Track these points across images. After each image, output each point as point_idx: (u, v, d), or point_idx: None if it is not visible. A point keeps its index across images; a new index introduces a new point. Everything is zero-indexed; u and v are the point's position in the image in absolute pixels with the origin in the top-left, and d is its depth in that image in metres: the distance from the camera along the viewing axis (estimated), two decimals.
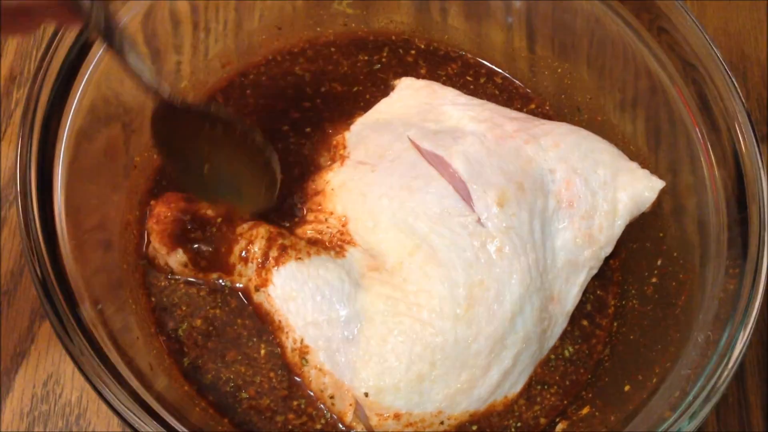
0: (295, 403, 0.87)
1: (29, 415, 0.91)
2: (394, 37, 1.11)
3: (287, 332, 0.87)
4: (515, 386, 0.89)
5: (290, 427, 0.86)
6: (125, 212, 0.93)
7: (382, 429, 0.85)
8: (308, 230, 0.92)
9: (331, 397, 0.86)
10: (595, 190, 0.92)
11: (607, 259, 0.95)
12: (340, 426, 0.87)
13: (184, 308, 0.91)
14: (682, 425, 0.71)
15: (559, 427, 0.87)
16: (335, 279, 0.86)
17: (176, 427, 0.70)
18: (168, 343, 0.89)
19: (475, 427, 0.88)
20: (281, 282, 0.87)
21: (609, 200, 0.92)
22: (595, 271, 0.93)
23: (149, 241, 0.92)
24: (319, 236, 0.91)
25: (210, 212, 0.91)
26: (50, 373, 0.94)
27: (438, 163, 0.92)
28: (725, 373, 0.73)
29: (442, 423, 0.86)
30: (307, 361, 0.86)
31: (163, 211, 0.91)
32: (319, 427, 0.87)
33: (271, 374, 0.89)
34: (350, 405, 0.85)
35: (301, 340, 0.86)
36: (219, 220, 0.90)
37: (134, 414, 0.69)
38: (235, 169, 0.91)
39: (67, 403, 0.92)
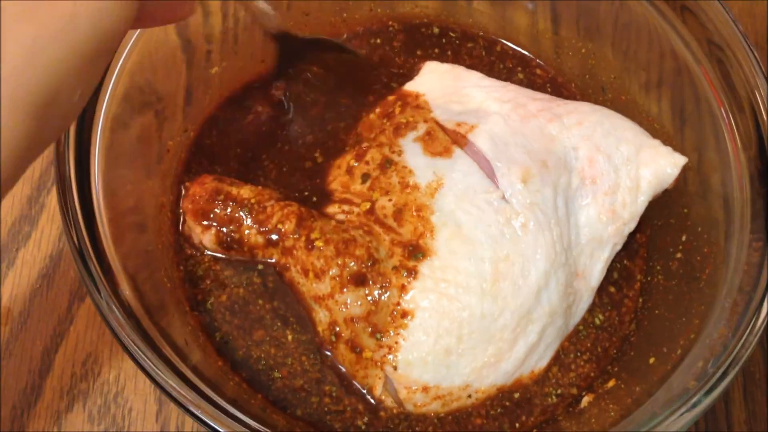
0: (327, 387, 0.89)
1: (69, 394, 0.94)
2: (417, 21, 1.12)
3: (318, 308, 0.89)
4: (541, 361, 0.91)
5: (326, 409, 0.88)
6: (159, 195, 0.95)
7: (410, 402, 0.87)
8: (337, 210, 0.94)
9: (362, 371, 0.88)
10: (617, 167, 0.93)
11: (632, 236, 0.95)
12: (371, 400, 0.88)
13: (212, 285, 0.93)
14: (704, 394, 0.72)
15: (585, 399, 0.88)
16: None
17: (213, 398, 0.72)
18: (200, 318, 0.91)
19: (507, 402, 0.89)
20: (312, 262, 0.88)
21: (632, 177, 0.93)
22: (619, 248, 0.94)
23: (185, 220, 0.94)
24: (347, 216, 0.93)
25: (243, 193, 0.93)
26: (89, 352, 0.96)
27: (462, 141, 0.93)
28: (750, 340, 0.74)
29: (469, 396, 0.88)
30: (336, 337, 0.88)
31: (198, 191, 0.93)
32: (349, 414, 0.88)
33: (303, 358, 0.90)
34: (379, 378, 0.87)
35: (329, 317, 0.88)
36: (252, 200, 0.92)
37: (173, 384, 0.71)
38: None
39: (105, 381, 0.95)
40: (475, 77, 1.02)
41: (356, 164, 0.96)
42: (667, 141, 0.94)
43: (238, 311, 0.92)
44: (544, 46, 1.09)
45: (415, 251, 0.87)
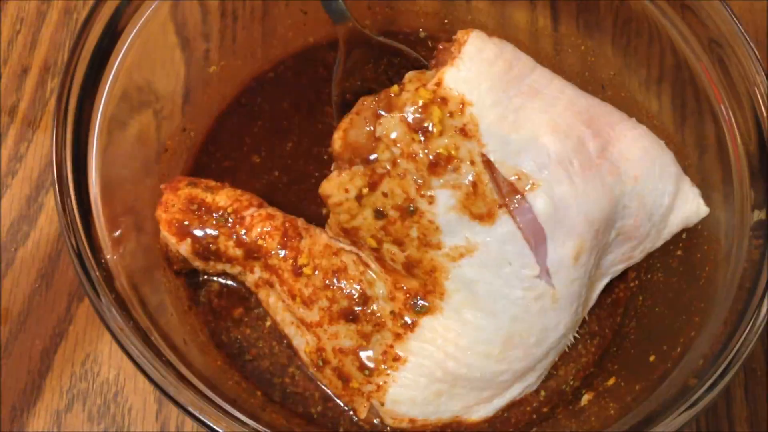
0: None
1: (68, 393, 0.94)
2: (422, 20, 1.11)
3: (306, 332, 0.87)
4: (531, 387, 0.90)
5: (320, 409, 0.89)
6: (157, 195, 0.94)
7: (397, 427, 0.86)
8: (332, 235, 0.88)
9: (347, 397, 0.87)
10: (655, 224, 0.87)
11: None
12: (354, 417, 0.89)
13: (213, 286, 0.93)
14: (704, 391, 0.71)
15: (585, 397, 0.88)
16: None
17: (212, 397, 0.72)
18: (198, 318, 0.91)
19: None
20: (299, 288, 0.85)
21: (661, 228, 0.88)
22: (618, 273, 0.93)
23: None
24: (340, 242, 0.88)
25: (219, 200, 0.89)
26: (88, 352, 0.96)
27: (514, 199, 0.79)
28: (750, 338, 0.73)
29: (459, 423, 0.87)
30: (323, 362, 0.86)
31: (171, 199, 0.90)
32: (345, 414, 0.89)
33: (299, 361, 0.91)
34: (364, 406, 0.86)
35: (317, 343, 0.86)
36: (229, 209, 0.89)
37: (172, 384, 0.71)
38: None
39: (105, 381, 0.95)
40: (528, 69, 0.85)
41: (368, 192, 0.81)
42: (667, 139, 0.94)
43: (240, 306, 0.92)
44: (544, 43, 1.08)
45: (420, 305, 0.83)
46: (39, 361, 0.95)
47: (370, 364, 0.84)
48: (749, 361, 0.96)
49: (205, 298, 0.93)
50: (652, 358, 0.84)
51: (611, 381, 0.88)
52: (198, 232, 0.88)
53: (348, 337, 0.84)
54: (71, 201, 0.78)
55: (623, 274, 0.95)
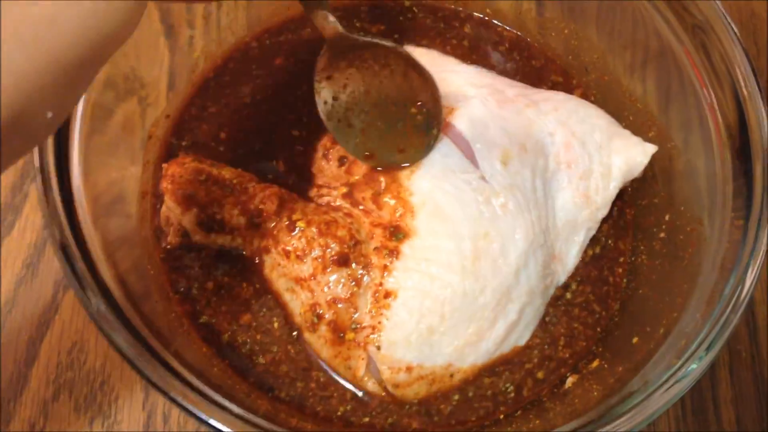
0: (314, 373, 0.89)
1: (55, 382, 0.94)
2: (407, 3, 1.11)
3: (300, 290, 0.88)
4: (520, 340, 0.91)
5: (310, 394, 0.88)
6: (142, 183, 0.95)
7: (393, 382, 0.87)
8: (316, 194, 0.95)
9: (345, 352, 0.88)
10: (591, 153, 0.95)
11: (618, 216, 0.97)
12: (354, 390, 0.89)
13: (197, 271, 0.92)
14: (688, 369, 0.72)
15: (570, 380, 0.88)
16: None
17: (197, 385, 0.72)
18: (183, 305, 0.90)
19: (487, 380, 0.89)
20: (294, 243, 0.88)
21: (604, 163, 0.95)
22: (593, 233, 0.96)
23: (162, 202, 0.93)
24: (329, 198, 0.93)
25: (224, 173, 0.92)
26: (74, 341, 0.96)
27: (445, 121, 0.93)
28: (731, 318, 0.74)
29: (452, 376, 0.88)
30: (318, 318, 0.88)
31: (178, 171, 0.92)
32: (334, 400, 0.89)
33: (289, 347, 0.90)
34: (362, 359, 0.87)
35: (311, 298, 0.88)
36: (234, 181, 0.91)
37: (156, 372, 0.71)
38: (392, 112, 0.93)
39: (91, 369, 0.95)
40: (450, 62, 1.03)
41: (332, 147, 0.95)
42: (650, 121, 0.95)
43: (224, 296, 0.92)
44: (528, 26, 1.08)
45: (396, 232, 0.88)
46: (25, 350, 0.95)
47: (364, 307, 0.87)
48: (734, 343, 0.97)
49: (192, 286, 0.92)
50: (635, 340, 0.84)
51: (595, 363, 0.88)
52: (205, 201, 0.90)
53: (340, 283, 0.86)
54: (53, 189, 0.77)
55: (611, 256, 0.96)
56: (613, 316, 0.93)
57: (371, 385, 0.88)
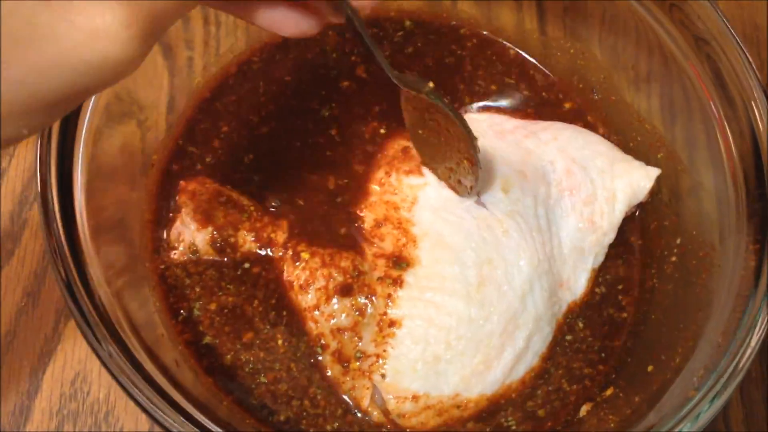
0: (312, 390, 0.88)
1: (58, 414, 0.92)
2: (408, 22, 1.10)
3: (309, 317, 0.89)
4: (526, 359, 0.90)
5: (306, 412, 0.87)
6: (144, 210, 0.94)
7: (398, 412, 0.86)
8: None
9: (349, 383, 0.87)
10: (593, 178, 0.95)
11: (626, 240, 0.96)
12: (357, 414, 0.87)
13: (200, 295, 0.91)
14: (706, 404, 0.71)
15: (584, 409, 0.87)
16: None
17: (203, 423, 0.71)
18: (184, 332, 0.89)
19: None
20: (297, 274, 0.89)
21: (608, 188, 0.95)
22: (601, 258, 0.95)
23: (172, 221, 0.92)
24: None
25: (243, 200, 0.93)
26: (77, 371, 0.94)
27: None
28: (748, 351, 0.72)
29: (459, 407, 0.87)
30: (322, 349, 0.88)
31: (198, 188, 0.93)
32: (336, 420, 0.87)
33: (292, 365, 0.89)
34: (367, 389, 0.86)
35: (315, 328, 0.88)
36: (252, 208, 0.92)
37: (161, 410, 0.69)
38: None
39: (95, 400, 0.93)
40: None
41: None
42: (659, 142, 0.94)
43: (228, 316, 0.90)
44: (532, 46, 1.07)
45: (399, 261, 0.89)
46: (27, 381, 0.93)
47: (369, 336, 0.86)
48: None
49: (193, 310, 0.91)
50: (650, 368, 0.83)
51: (609, 391, 0.87)
52: (222, 222, 0.91)
53: (344, 312, 0.86)
54: (57, 224, 0.76)
55: (621, 281, 0.95)
56: (625, 342, 0.92)
57: (376, 416, 0.87)
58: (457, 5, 1.09)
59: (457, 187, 0.92)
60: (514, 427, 0.88)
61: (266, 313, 0.90)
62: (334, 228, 0.94)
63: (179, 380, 0.75)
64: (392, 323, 0.86)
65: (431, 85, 0.85)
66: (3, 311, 0.96)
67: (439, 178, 0.93)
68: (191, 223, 0.91)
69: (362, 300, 0.87)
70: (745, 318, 0.74)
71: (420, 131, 0.92)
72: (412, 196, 0.93)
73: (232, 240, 0.91)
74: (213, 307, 0.91)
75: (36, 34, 0.48)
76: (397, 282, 0.87)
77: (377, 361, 0.86)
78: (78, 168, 0.81)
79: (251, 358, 0.89)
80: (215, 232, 0.91)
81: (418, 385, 0.86)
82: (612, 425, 0.79)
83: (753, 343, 0.73)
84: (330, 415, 0.87)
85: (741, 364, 0.72)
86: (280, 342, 0.90)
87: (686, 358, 0.77)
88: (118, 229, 0.89)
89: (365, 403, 0.87)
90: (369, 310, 0.87)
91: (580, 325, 0.93)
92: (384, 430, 0.87)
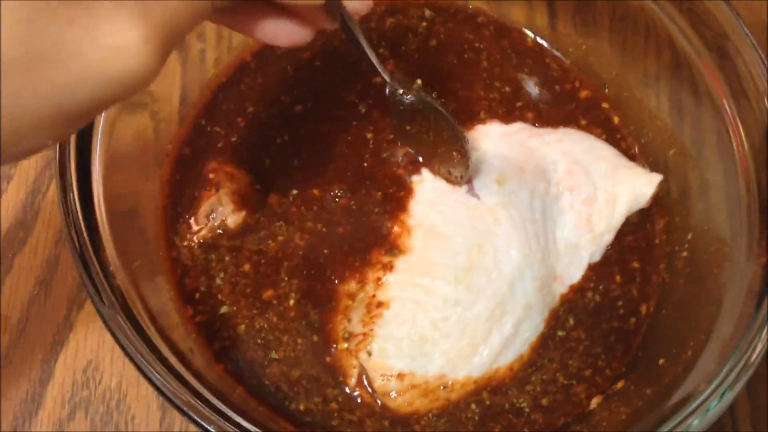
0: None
1: (70, 402, 0.93)
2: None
3: None
4: (514, 346, 0.90)
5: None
6: (158, 200, 0.94)
7: (384, 390, 0.86)
8: None
9: (336, 363, 0.88)
10: (595, 181, 0.96)
11: (636, 235, 0.97)
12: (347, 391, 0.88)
13: (227, 266, 0.92)
14: (716, 398, 0.71)
15: (595, 401, 0.88)
16: None
17: (218, 406, 0.71)
18: (200, 323, 0.90)
19: (485, 394, 0.88)
20: None
21: (609, 191, 0.96)
22: (597, 257, 0.95)
23: (200, 198, 0.93)
24: None
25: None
26: (89, 359, 0.95)
27: None
28: (759, 345, 0.73)
29: (445, 387, 0.87)
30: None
31: (238, 173, 0.95)
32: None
33: (299, 339, 0.90)
34: (354, 368, 0.87)
35: None
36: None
37: (177, 392, 0.70)
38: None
39: (107, 388, 0.94)
40: None
41: None
42: (671, 139, 0.94)
43: (251, 277, 0.92)
44: (544, 43, 1.08)
45: (392, 248, 0.91)
46: (39, 369, 0.94)
47: (357, 318, 0.88)
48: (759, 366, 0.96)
49: (201, 304, 0.91)
50: (661, 362, 0.84)
51: (620, 384, 0.88)
52: (255, 209, 0.94)
53: None
54: (75, 207, 0.76)
55: (632, 275, 0.95)
56: (636, 336, 0.92)
57: (363, 395, 0.87)
58: (468, 3, 1.09)
59: (448, 178, 0.94)
60: (527, 410, 0.88)
61: (290, 271, 0.92)
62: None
63: (193, 365, 0.75)
64: (380, 304, 0.88)
65: (419, 82, 0.89)
66: (15, 299, 0.97)
67: (430, 171, 0.95)
68: (229, 203, 0.93)
69: (353, 286, 0.90)
70: (756, 313, 0.75)
71: (408, 127, 0.93)
72: (409, 191, 0.95)
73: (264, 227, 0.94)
74: (242, 269, 0.92)
75: (62, 53, 0.50)
76: (388, 267, 0.90)
77: (364, 340, 0.87)
78: (95, 157, 0.81)
79: (265, 325, 0.89)
80: (247, 216, 0.93)
81: (403, 363, 0.87)
82: (623, 417, 0.80)
83: (764, 338, 0.73)
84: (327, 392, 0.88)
85: (752, 359, 0.73)
86: (292, 302, 0.91)
87: (698, 352, 0.78)
88: (133, 218, 0.90)
89: (352, 381, 0.87)
90: (359, 296, 0.89)
91: (585, 319, 0.93)
92: (377, 408, 0.87)
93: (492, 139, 0.98)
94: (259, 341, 0.89)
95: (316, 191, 0.96)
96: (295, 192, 0.96)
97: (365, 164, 0.98)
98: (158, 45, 0.55)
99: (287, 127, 1.00)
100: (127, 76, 0.54)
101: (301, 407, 0.86)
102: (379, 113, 1.00)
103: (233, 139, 0.99)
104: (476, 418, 0.87)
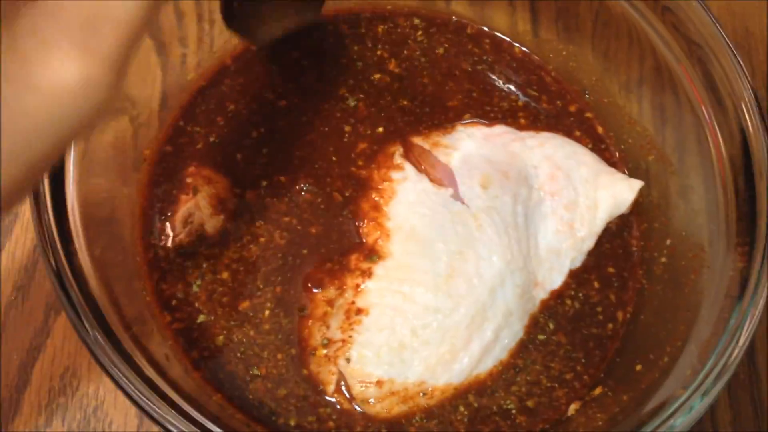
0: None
1: (47, 408, 0.92)
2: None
3: None
4: (494, 352, 0.90)
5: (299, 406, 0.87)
6: (135, 205, 0.94)
7: (362, 397, 0.86)
8: None
9: (315, 370, 0.88)
10: (576, 186, 0.97)
11: (617, 240, 0.96)
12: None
13: (205, 272, 0.92)
14: (694, 403, 0.71)
15: (572, 407, 0.87)
16: None
17: (195, 416, 0.71)
18: (177, 330, 0.89)
19: (471, 397, 0.88)
20: None
21: (590, 196, 0.97)
22: (578, 263, 0.95)
23: (177, 203, 0.93)
24: None
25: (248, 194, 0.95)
26: (66, 366, 0.94)
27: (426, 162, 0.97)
28: (736, 350, 0.73)
29: (424, 394, 0.87)
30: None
31: (216, 177, 0.95)
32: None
33: (279, 355, 0.89)
34: (332, 374, 0.87)
35: None
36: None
37: (152, 403, 0.70)
38: None
39: (84, 395, 0.93)
40: None
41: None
42: (650, 145, 0.94)
43: (228, 286, 0.91)
44: (525, 49, 1.08)
45: (371, 254, 0.90)
46: (16, 375, 0.93)
47: (336, 324, 0.88)
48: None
49: (179, 311, 0.91)
50: (638, 368, 0.84)
51: (598, 390, 0.87)
52: (233, 212, 0.94)
53: (313, 303, 0.90)
54: (48, 217, 0.76)
55: (610, 281, 0.95)
56: (614, 342, 0.92)
57: (342, 402, 0.87)
58: (450, 6, 1.09)
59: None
60: (514, 411, 0.88)
61: (265, 278, 0.92)
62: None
63: (169, 374, 0.75)
64: (359, 311, 0.88)
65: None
66: None
67: None
68: (207, 207, 0.93)
69: (332, 292, 0.89)
70: (732, 318, 0.75)
71: None
72: (391, 190, 0.95)
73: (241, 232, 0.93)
74: (219, 276, 0.91)
75: (6, 113, 0.50)
76: (366, 273, 0.89)
77: (343, 347, 0.87)
78: (70, 162, 0.81)
79: (243, 339, 0.89)
80: (226, 221, 0.93)
81: (382, 370, 0.86)
82: (600, 423, 0.80)
83: (741, 342, 0.73)
84: (307, 405, 0.87)
85: (729, 363, 0.73)
86: (267, 313, 0.90)
87: (675, 358, 0.78)
88: (109, 224, 0.89)
89: (330, 389, 0.87)
90: (339, 302, 0.89)
91: (565, 324, 0.93)
92: (356, 415, 0.86)
93: (475, 140, 0.98)
94: (239, 355, 0.88)
95: (282, 178, 0.96)
96: (264, 183, 0.96)
97: (333, 158, 0.99)
98: (104, 66, 0.53)
99: (266, 121, 1.00)
100: (84, 107, 0.53)
101: (291, 422, 0.86)
102: (367, 108, 1.01)
103: (212, 139, 0.99)
104: (465, 420, 0.87)
